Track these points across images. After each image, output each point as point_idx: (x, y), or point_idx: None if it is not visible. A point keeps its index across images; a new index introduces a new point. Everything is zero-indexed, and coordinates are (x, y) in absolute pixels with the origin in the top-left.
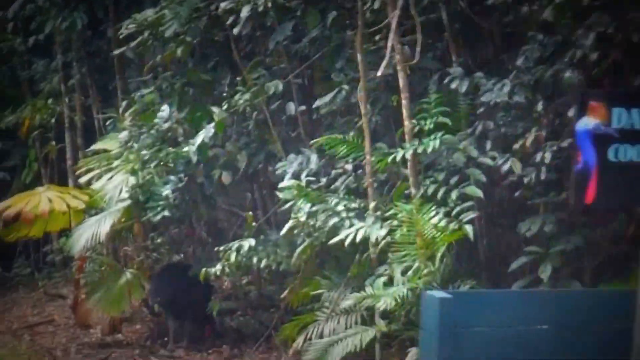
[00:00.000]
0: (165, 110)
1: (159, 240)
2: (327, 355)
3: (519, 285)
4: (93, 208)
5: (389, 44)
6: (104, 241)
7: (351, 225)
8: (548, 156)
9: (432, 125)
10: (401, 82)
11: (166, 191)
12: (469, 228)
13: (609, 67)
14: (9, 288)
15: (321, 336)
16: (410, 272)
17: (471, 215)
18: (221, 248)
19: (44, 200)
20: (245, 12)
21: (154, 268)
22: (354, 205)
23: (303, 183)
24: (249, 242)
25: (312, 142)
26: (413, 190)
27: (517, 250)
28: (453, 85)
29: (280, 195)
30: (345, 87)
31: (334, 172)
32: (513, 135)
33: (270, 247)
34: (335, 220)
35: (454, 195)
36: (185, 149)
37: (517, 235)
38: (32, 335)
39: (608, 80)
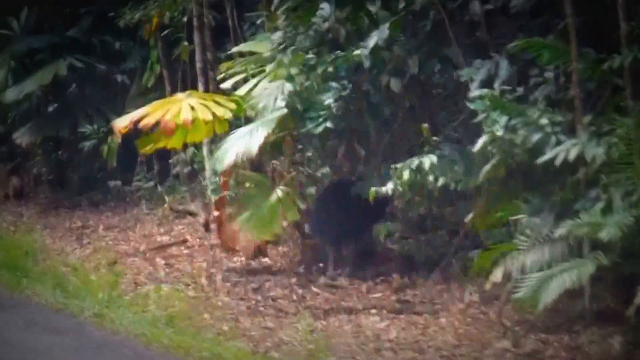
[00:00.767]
0: (324, 8)
1: (309, 154)
2: (541, 292)
3: None
4: (239, 117)
5: None
6: (257, 155)
7: (558, 142)
8: None
9: None
10: None
11: (328, 100)
12: None
13: None
14: (130, 203)
15: (522, 269)
16: (634, 197)
17: None
18: (397, 165)
19: (186, 108)
20: None
21: (307, 185)
22: (559, 118)
23: (496, 92)
24: (430, 159)
25: (510, 45)
26: (630, 103)
27: None
28: None
29: (472, 105)
30: None
31: (532, 80)
32: None
33: (447, 164)
34: (539, 135)
35: None
36: (357, 52)
37: None
38: (166, 259)
39: None
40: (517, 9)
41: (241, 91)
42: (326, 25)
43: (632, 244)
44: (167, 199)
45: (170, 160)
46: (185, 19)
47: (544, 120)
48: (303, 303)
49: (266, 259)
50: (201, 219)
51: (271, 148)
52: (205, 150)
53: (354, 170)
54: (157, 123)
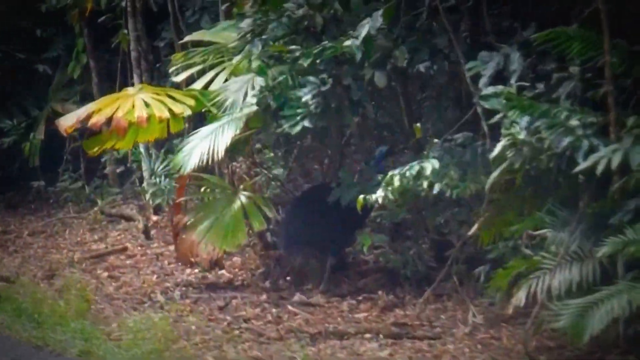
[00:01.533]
0: None
1: (270, 154)
2: (586, 321)
3: None
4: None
5: None
6: (222, 156)
7: (591, 146)
8: None
9: None
10: None
11: (305, 96)
12: None
13: None
14: (54, 205)
15: (549, 290)
16: None
17: None
18: (395, 171)
19: (140, 104)
20: None
21: (264, 187)
22: (590, 119)
23: (513, 89)
24: (432, 164)
25: (534, 35)
26: None
27: None
28: None
29: (485, 104)
30: None
31: (555, 76)
32: None
33: (441, 168)
34: (569, 139)
35: None
36: (347, 42)
37: None
38: (109, 270)
39: None
40: None
41: (197, 85)
42: (300, 12)
43: None
44: (98, 201)
45: (103, 159)
46: (124, 3)
47: (574, 122)
48: (282, 325)
49: (222, 271)
50: (139, 224)
51: (230, 148)
52: (142, 148)
53: (333, 174)
54: (109, 121)
